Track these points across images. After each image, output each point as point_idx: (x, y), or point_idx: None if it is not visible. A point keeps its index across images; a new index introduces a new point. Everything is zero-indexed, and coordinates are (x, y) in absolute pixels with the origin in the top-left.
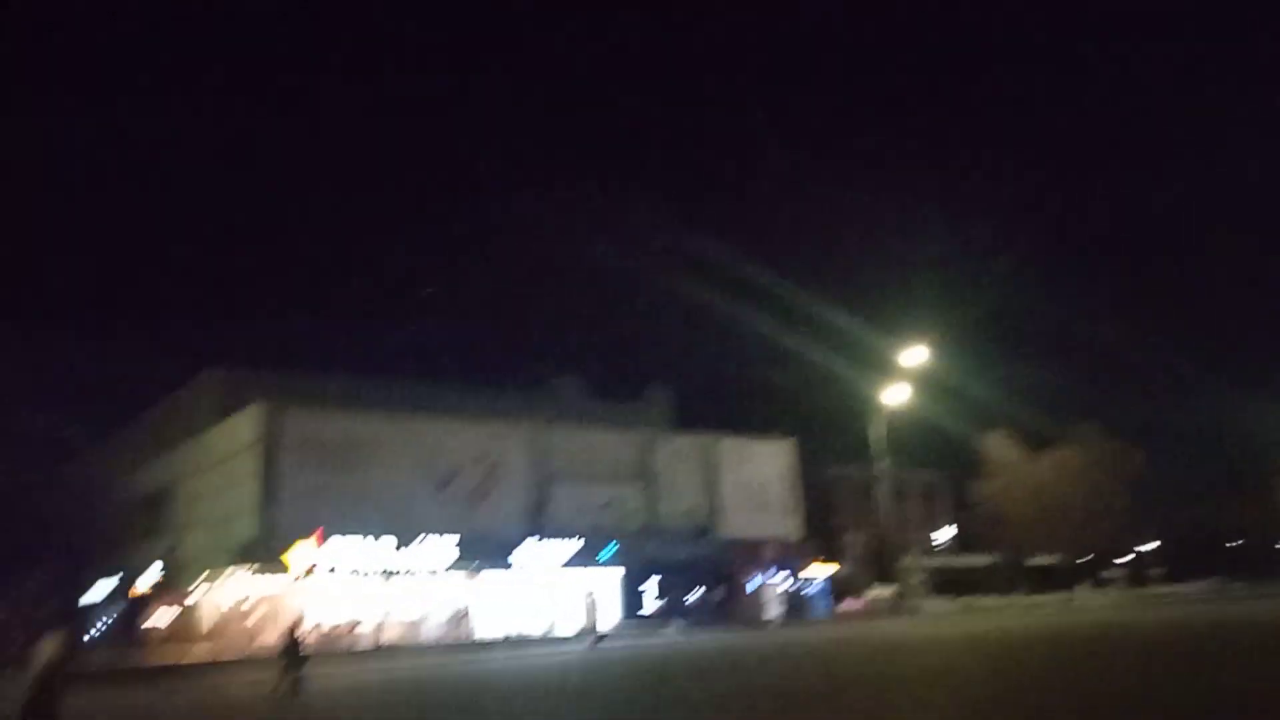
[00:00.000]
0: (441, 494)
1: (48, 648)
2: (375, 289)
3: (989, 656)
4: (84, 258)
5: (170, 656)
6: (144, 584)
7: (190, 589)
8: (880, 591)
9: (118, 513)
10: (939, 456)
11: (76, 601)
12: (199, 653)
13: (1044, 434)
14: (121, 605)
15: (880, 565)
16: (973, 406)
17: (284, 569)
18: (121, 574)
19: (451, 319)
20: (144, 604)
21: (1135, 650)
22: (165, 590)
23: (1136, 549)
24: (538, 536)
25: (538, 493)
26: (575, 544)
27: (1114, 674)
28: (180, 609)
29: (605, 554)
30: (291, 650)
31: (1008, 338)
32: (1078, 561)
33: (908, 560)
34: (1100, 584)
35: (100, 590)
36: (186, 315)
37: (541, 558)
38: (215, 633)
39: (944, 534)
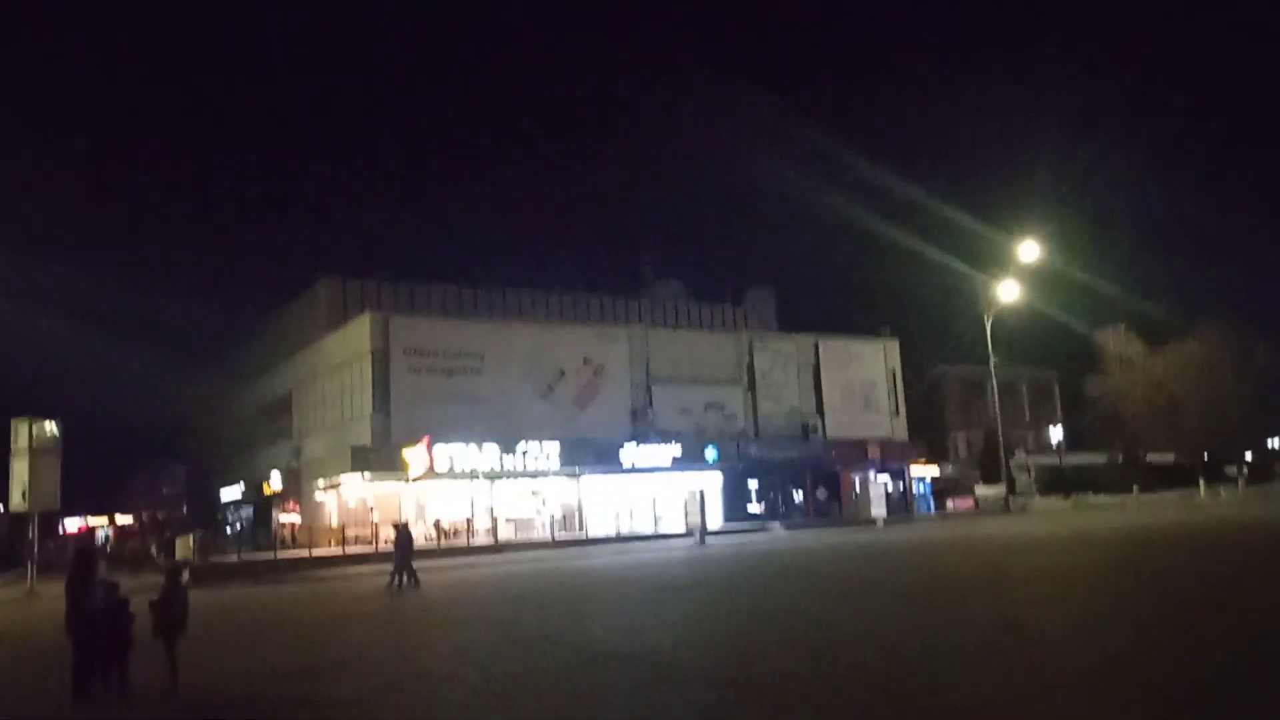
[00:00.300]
0: (546, 399)
1: (183, 546)
2: (482, 198)
3: (1098, 554)
4: (215, 167)
5: (297, 554)
6: (271, 486)
7: (312, 491)
8: (988, 490)
9: (246, 417)
10: (1054, 353)
11: (211, 503)
12: (323, 550)
13: (1165, 328)
14: (251, 507)
15: (989, 464)
16: (1091, 300)
17: (398, 472)
18: (249, 477)
19: (555, 226)
20: (271, 505)
21: (1258, 546)
22: (290, 492)
23: (1261, 445)
24: (641, 439)
25: (641, 396)
26: (676, 447)
27: (1236, 571)
28: (303, 510)
29: (708, 455)
30: (403, 547)
31: (1130, 229)
32: (1198, 459)
33: (1017, 458)
34: (1222, 481)
35: (232, 492)
36: (306, 225)
37: (645, 460)
38: (336, 532)
39: (1057, 432)
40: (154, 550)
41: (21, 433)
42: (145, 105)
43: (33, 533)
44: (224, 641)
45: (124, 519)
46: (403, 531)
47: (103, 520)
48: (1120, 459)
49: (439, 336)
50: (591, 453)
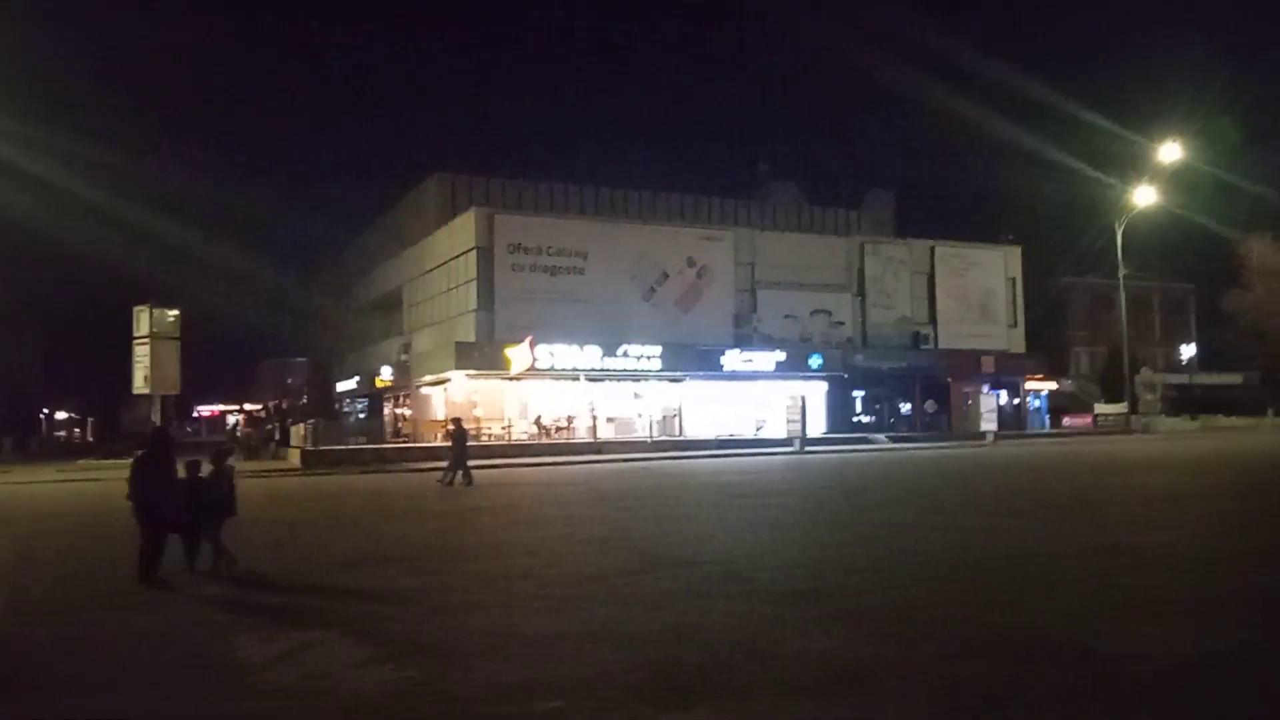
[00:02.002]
0: (649, 300)
1: (297, 434)
2: (597, 97)
3: (1213, 479)
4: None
5: (402, 445)
6: (382, 379)
7: (418, 385)
8: (1108, 408)
9: (361, 313)
10: (1192, 265)
11: (330, 394)
12: (428, 443)
13: None
14: (366, 399)
15: (1111, 380)
16: (1237, 206)
17: (500, 369)
18: (364, 371)
19: (670, 126)
20: (383, 398)
21: None
22: (400, 386)
23: None
24: (744, 345)
25: (745, 300)
26: (781, 354)
27: None
28: (413, 404)
29: (812, 363)
30: (459, 443)
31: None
32: None
33: (1143, 375)
34: None
35: (348, 385)
36: (422, 123)
37: (747, 366)
38: (442, 425)
39: (1189, 349)
40: (274, 436)
41: (143, 320)
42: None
43: (154, 414)
44: (287, 529)
45: (253, 407)
46: (458, 428)
47: (234, 408)
48: (1258, 380)
49: (543, 234)
50: (694, 357)
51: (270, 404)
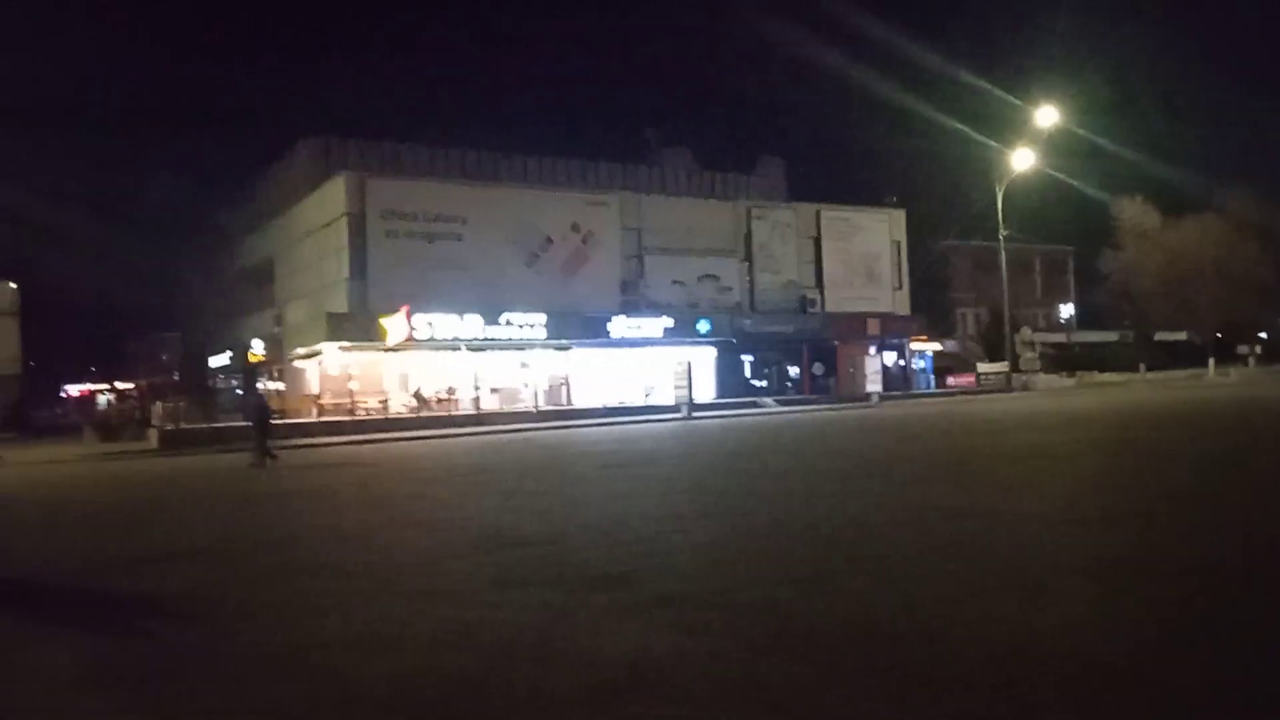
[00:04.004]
0: (532, 267)
1: (158, 412)
2: (476, 56)
3: (1079, 432)
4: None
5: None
6: (255, 353)
7: (291, 359)
8: (991, 367)
9: (232, 284)
10: (1071, 228)
11: (203, 370)
12: (300, 419)
13: (1185, 200)
14: (240, 374)
15: (994, 340)
16: (1107, 170)
17: (376, 341)
18: (236, 345)
19: (554, 90)
20: (256, 373)
21: (1250, 427)
22: (273, 360)
23: (1277, 326)
24: (631, 311)
25: (632, 266)
26: (667, 320)
27: (1222, 452)
28: (285, 378)
29: (700, 328)
30: (262, 423)
31: (1154, 91)
32: (1210, 338)
33: (1022, 334)
34: (1233, 361)
35: (221, 359)
36: (290, 85)
37: (635, 332)
38: (314, 401)
39: (1066, 309)
40: (134, 416)
41: None
42: None
43: None
44: (94, 520)
45: (124, 385)
46: (257, 402)
47: (104, 387)
48: (1132, 338)
49: (419, 199)
50: (580, 324)
51: (142, 382)
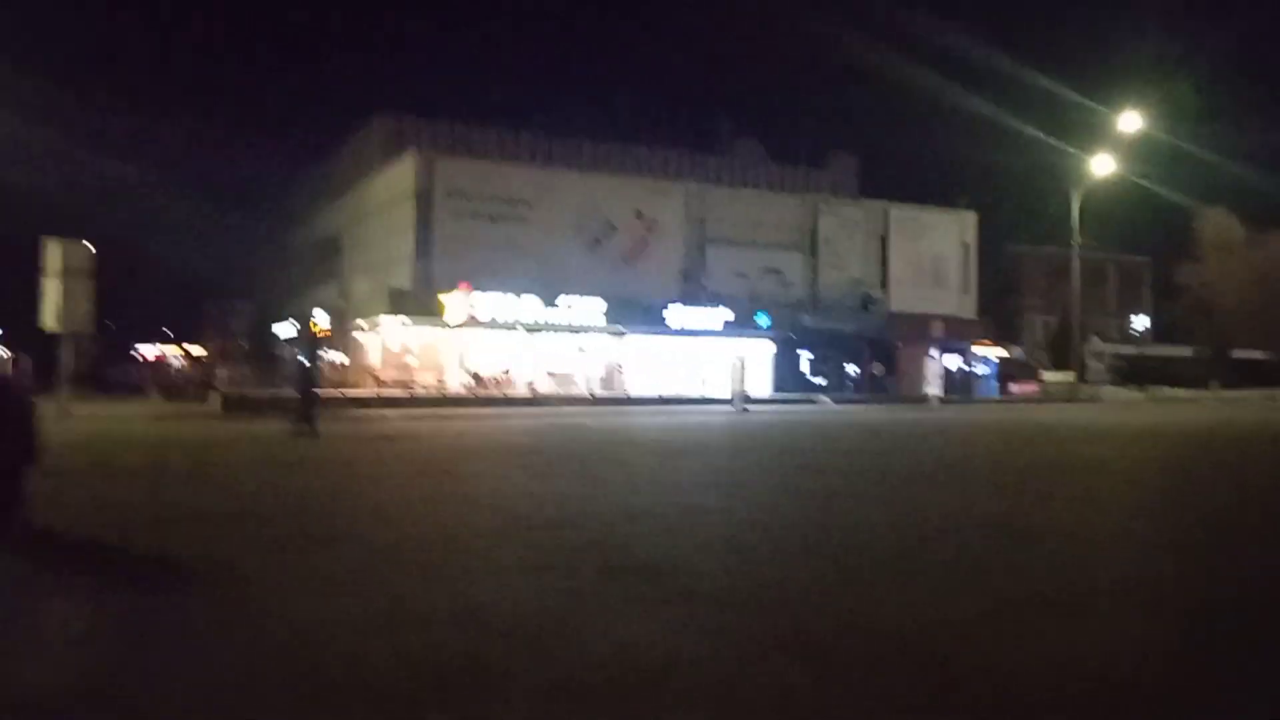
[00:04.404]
0: (594, 252)
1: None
2: (554, 41)
3: (1142, 449)
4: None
5: (331, 394)
6: (318, 325)
7: (352, 332)
8: (1056, 376)
9: (301, 256)
10: (1150, 237)
11: (269, 339)
12: (358, 392)
13: (1272, 212)
14: (305, 344)
15: (1061, 349)
16: (1192, 178)
17: (436, 318)
18: (301, 316)
19: (630, 79)
20: (320, 344)
21: None
22: (336, 333)
23: None
24: (691, 301)
25: (694, 256)
26: (727, 312)
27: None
28: (347, 350)
29: (760, 322)
30: (307, 394)
31: (1241, 100)
32: None
33: (1092, 344)
34: None
35: (287, 329)
36: (367, 63)
37: (693, 323)
38: (372, 374)
39: (1141, 321)
40: (198, 379)
41: (54, 253)
42: None
43: (65, 355)
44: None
45: (196, 350)
46: (303, 372)
47: (176, 350)
48: (1208, 354)
49: (485, 180)
50: (638, 311)
51: (212, 347)
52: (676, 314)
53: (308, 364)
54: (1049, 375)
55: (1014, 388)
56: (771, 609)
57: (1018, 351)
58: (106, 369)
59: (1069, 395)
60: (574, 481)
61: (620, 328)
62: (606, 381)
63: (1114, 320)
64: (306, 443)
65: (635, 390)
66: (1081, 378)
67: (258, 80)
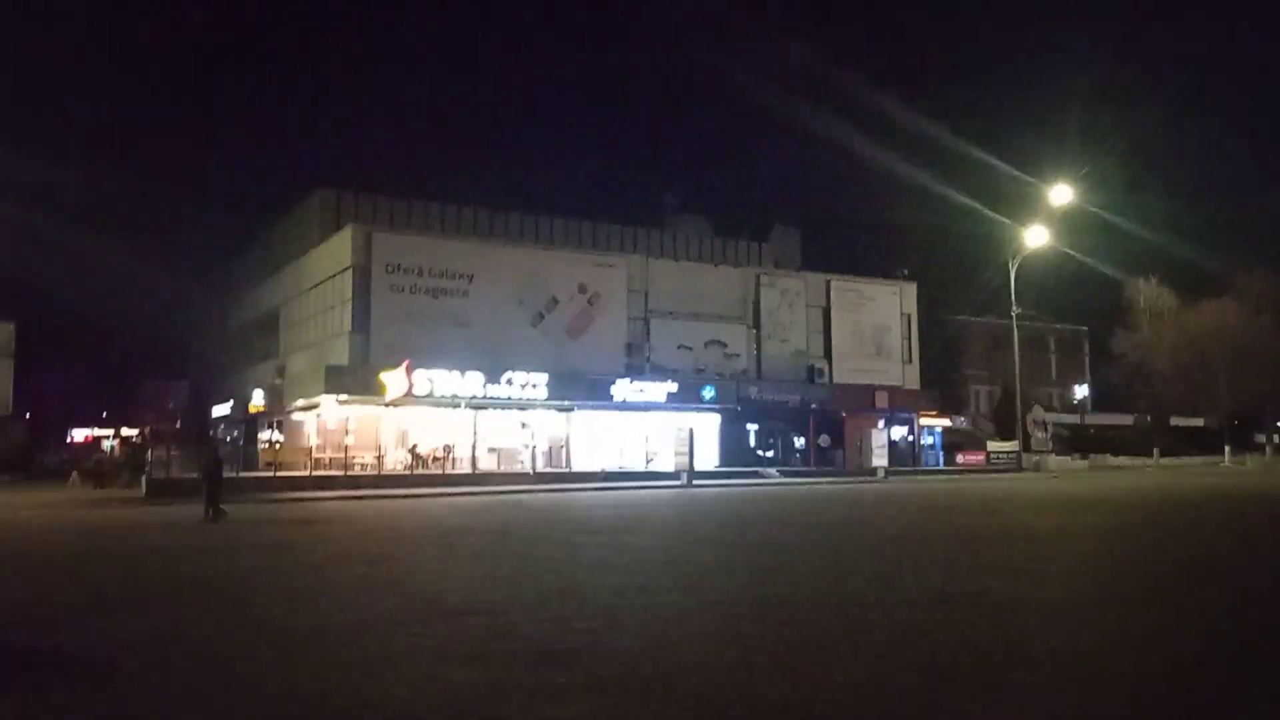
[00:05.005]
0: (537, 327)
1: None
2: (497, 119)
3: (1087, 517)
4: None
5: (264, 475)
6: (255, 404)
7: (289, 411)
8: (1001, 446)
9: (238, 332)
10: (1086, 307)
11: (205, 418)
12: (292, 472)
13: (1202, 281)
14: (242, 424)
15: (1005, 419)
16: (1123, 249)
17: (375, 395)
18: (238, 394)
19: (572, 155)
20: (257, 423)
21: (1263, 518)
22: (272, 411)
23: None
24: (635, 375)
25: (638, 329)
26: (672, 385)
27: (1229, 543)
28: (284, 430)
29: (704, 394)
30: (212, 477)
31: (1167, 172)
32: (1226, 424)
33: (1035, 414)
34: (1250, 449)
35: (223, 409)
36: (306, 137)
37: (638, 396)
38: (309, 454)
39: (1081, 390)
40: (125, 463)
41: None
42: (140, 6)
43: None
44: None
45: (129, 431)
46: (213, 454)
47: (109, 432)
48: (1147, 421)
49: (425, 254)
50: (583, 386)
51: (145, 429)
52: (621, 388)
53: (212, 448)
54: (994, 445)
55: (960, 458)
56: (692, 695)
57: (962, 421)
58: (34, 455)
59: (1015, 465)
60: (502, 564)
61: (568, 403)
62: (551, 457)
63: (1055, 389)
64: (211, 528)
65: (581, 465)
66: (1026, 447)
67: (198, 154)
